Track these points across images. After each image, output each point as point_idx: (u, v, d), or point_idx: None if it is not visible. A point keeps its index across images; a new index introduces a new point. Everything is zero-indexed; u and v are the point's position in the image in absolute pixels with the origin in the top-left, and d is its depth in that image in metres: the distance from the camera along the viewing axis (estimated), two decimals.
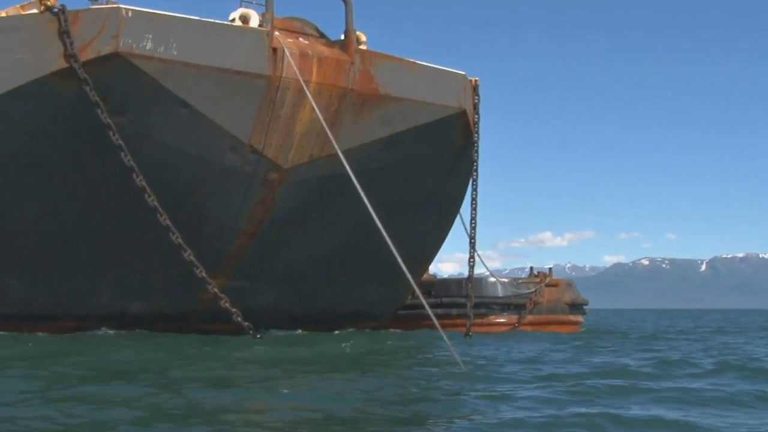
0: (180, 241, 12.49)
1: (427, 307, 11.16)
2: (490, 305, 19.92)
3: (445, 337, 9.29)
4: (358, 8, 14.08)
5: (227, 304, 12.96)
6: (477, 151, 15.69)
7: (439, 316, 19.71)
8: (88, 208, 13.07)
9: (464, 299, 20.02)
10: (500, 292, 19.91)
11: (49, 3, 11.73)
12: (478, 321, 19.88)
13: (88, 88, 11.66)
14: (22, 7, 12.26)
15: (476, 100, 15.49)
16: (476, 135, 15.57)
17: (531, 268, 21.45)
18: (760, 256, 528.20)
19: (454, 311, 19.87)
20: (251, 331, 13.16)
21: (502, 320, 19.92)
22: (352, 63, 13.66)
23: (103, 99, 11.85)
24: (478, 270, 19.65)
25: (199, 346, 11.68)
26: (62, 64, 11.71)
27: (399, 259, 11.58)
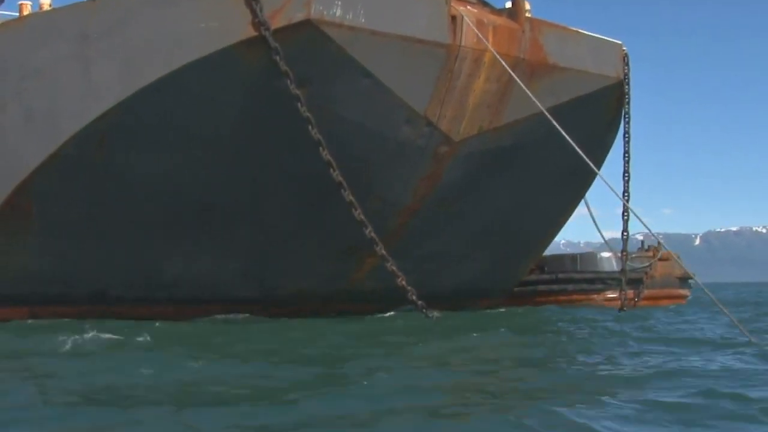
0: (362, 217, 11.95)
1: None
2: (606, 280, 19.58)
3: (725, 311, 8.78)
4: None
5: (404, 282, 12.43)
6: (629, 123, 15.25)
7: (555, 293, 19.62)
8: (257, 187, 12.55)
9: (579, 274, 19.72)
10: (615, 266, 19.54)
11: None
12: (595, 296, 19.57)
13: (278, 58, 11.08)
14: None
15: (626, 71, 15.01)
16: (628, 106, 15.12)
17: (642, 242, 21.10)
18: (754, 229, 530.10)
19: (570, 287, 19.57)
20: (424, 311, 12.68)
21: (614, 295, 19.55)
22: (523, 31, 13.14)
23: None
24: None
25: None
26: (251, 32, 11.09)
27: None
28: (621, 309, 15.35)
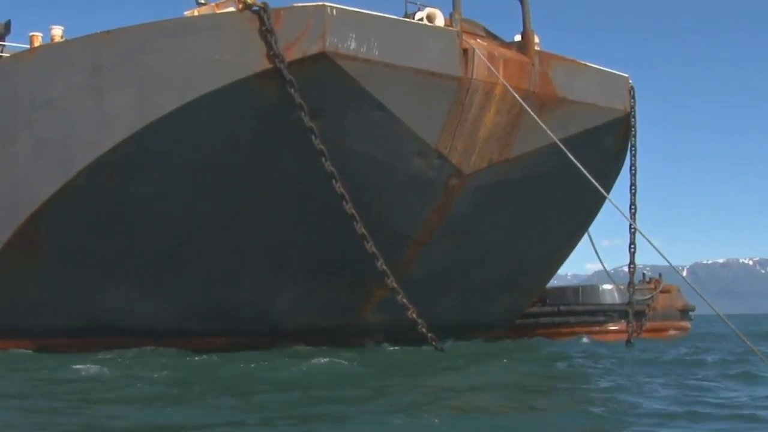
0: (374, 250, 11.95)
1: None
2: (608, 312, 19.56)
3: (749, 343, 8.75)
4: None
5: (414, 315, 12.40)
6: (636, 155, 15.32)
7: (556, 325, 19.58)
8: (268, 218, 12.50)
9: (581, 307, 19.70)
10: (618, 299, 19.54)
11: (248, 1, 11.18)
12: (597, 328, 19.53)
13: (293, 90, 11.11)
14: (216, 5, 11.68)
15: (633, 104, 15.11)
16: (634, 139, 15.21)
17: (643, 275, 21.10)
18: (741, 261, 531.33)
19: (572, 319, 19.52)
20: (434, 343, 12.64)
21: (616, 327, 19.53)
22: (533, 65, 13.23)
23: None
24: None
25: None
26: (266, 64, 11.14)
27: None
28: (628, 341, 15.30)
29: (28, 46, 13.48)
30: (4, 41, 15.92)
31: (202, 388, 7.91)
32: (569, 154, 12.03)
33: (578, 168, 14.60)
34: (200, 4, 11.80)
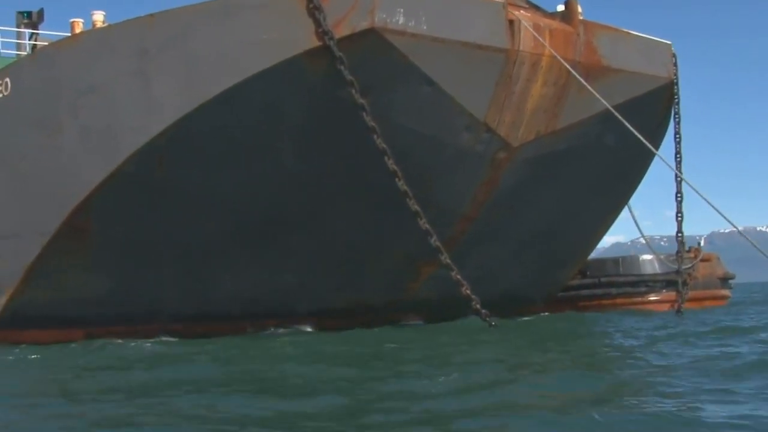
0: (427, 226, 11.86)
1: None
2: (649, 282, 19.42)
3: None
4: None
5: (468, 291, 12.33)
6: (680, 123, 15.15)
7: (598, 297, 19.45)
8: (317, 199, 12.42)
9: (621, 278, 19.55)
10: (658, 268, 19.38)
11: None
12: (638, 299, 19.39)
13: (342, 67, 11.00)
14: None
15: (676, 71, 14.93)
16: (677, 106, 15.04)
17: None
18: (758, 229, 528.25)
19: (614, 291, 19.39)
20: (488, 319, 12.56)
21: (657, 298, 19.38)
22: (578, 35, 13.07)
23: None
24: None
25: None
26: (315, 42, 11.02)
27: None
28: (678, 311, 15.17)
29: (61, 35, 13.41)
30: (38, 29, 15.88)
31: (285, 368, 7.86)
32: (623, 120, 11.89)
33: (625, 136, 14.52)
34: None
